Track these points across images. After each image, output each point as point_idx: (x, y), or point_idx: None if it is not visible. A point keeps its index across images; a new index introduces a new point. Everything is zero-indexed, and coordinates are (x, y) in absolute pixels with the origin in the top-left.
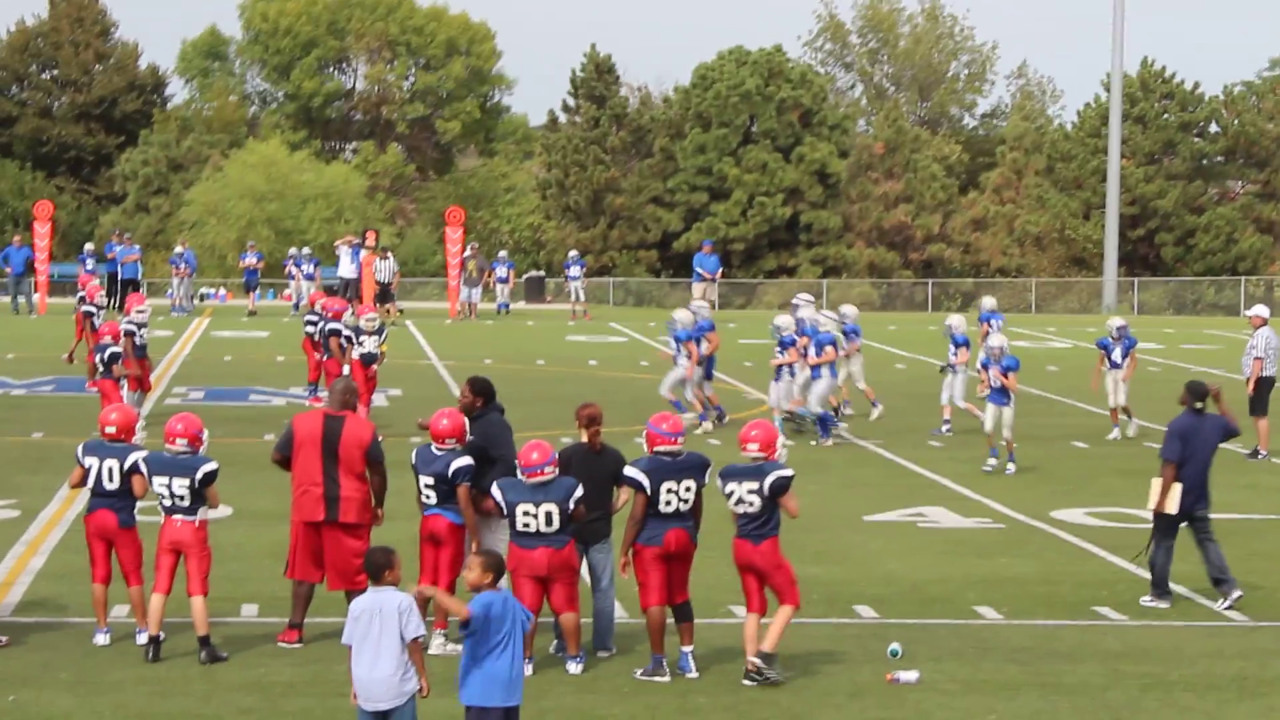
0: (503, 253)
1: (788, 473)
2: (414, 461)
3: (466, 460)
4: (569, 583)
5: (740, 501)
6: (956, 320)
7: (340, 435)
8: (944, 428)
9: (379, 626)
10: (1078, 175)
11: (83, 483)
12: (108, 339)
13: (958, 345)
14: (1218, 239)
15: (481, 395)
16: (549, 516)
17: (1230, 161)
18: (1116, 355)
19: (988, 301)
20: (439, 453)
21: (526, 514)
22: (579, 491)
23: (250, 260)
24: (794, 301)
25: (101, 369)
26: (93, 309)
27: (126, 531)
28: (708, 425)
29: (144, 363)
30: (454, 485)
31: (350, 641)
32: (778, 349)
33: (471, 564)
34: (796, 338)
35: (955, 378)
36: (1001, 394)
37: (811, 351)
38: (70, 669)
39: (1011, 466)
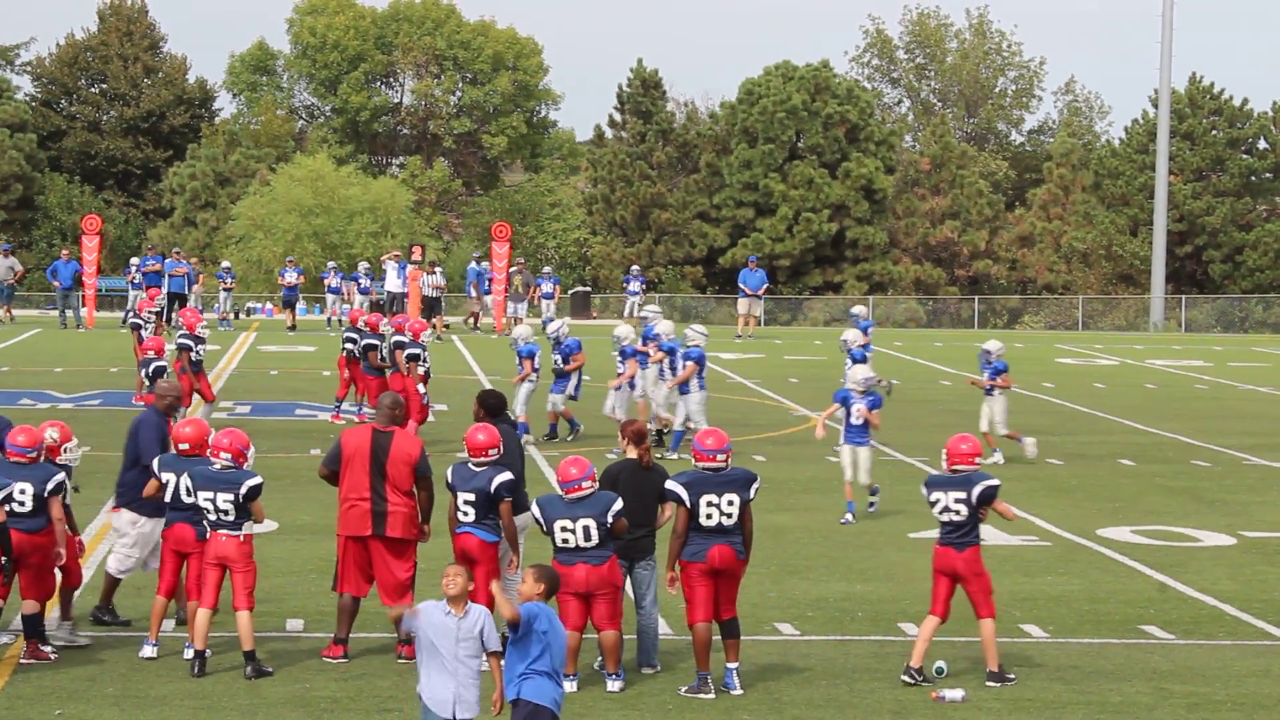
0: (548, 268)
1: (994, 482)
2: (450, 479)
3: (508, 475)
4: (610, 599)
5: (946, 510)
6: (852, 335)
7: (389, 450)
8: None
9: None
10: (1125, 192)
11: (159, 493)
12: (152, 353)
13: (855, 361)
14: (1266, 256)
15: (493, 412)
16: (587, 531)
17: (1279, 178)
18: (986, 377)
19: (858, 309)
20: (477, 469)
21: (565, 529)
22: (618, 505)
23: (290, 278)
24: (643, 314)
25: (147, 384)
26: (140, 322)
27: (204, 545)
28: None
29: (201, 378)
30: (497, 501)
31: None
32: (618, 360)
33: (525, 575)
34: (638, 348)
35: None
36: (861, 432)
37: (680, 366)
38: (116, 683)
39: (874, 503)
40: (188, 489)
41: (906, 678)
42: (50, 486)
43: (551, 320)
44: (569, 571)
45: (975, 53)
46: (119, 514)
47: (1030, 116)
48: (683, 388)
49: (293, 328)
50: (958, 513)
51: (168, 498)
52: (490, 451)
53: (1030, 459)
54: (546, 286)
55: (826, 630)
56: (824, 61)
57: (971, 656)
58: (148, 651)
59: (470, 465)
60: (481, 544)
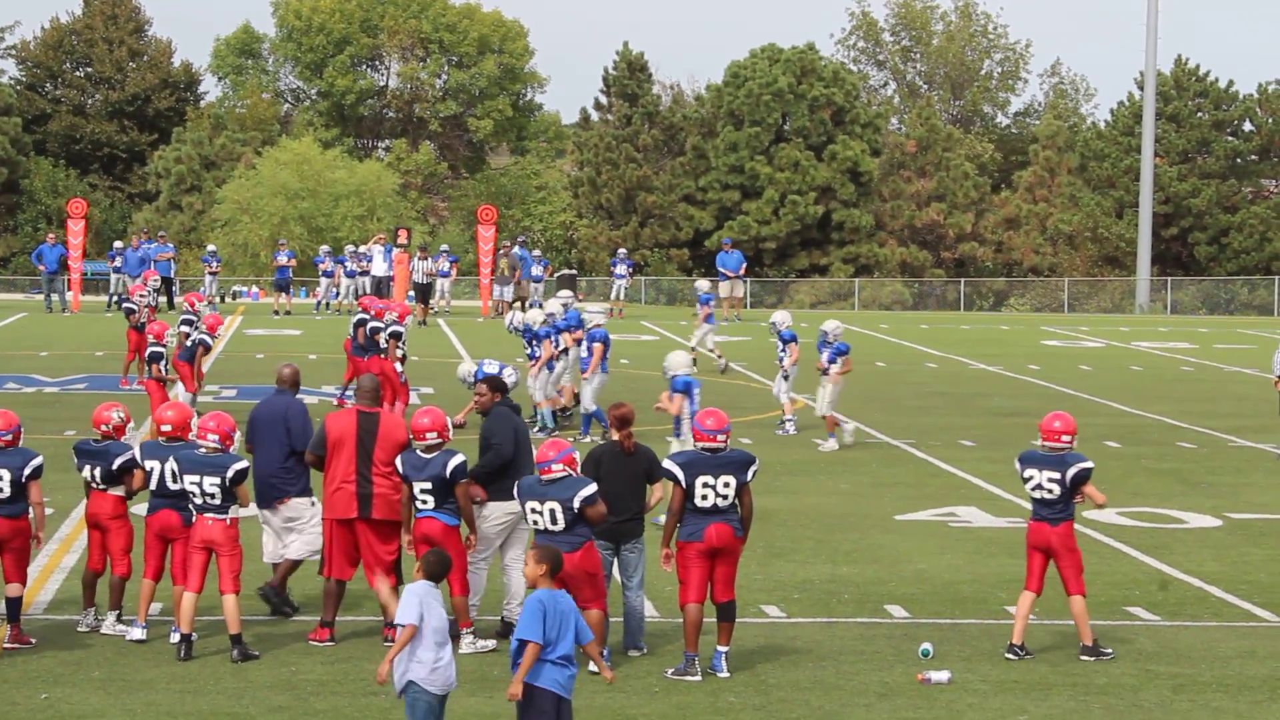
0: (537, 251)
1: (1088, 464)
2: (402, 469)
3: (461, 457)
4: (585, 584)
5: (1039, 488)
6: (780, 316)
7: (376, 433)
8: (788, 426)
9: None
10: (1111, 174)
11: (145, 486)
12: (151, 338)
13: (785, 342)
14: (1251, 238)
15: (498, 391)
16: (553, 514)
17: (1264, 160)
18: (824, 360)
19: (700, 283)
20: (427, 454)
21: (534, 511)
22: (587, 490)
23: (282, 259)
24: (556, 300)
25: (147, 369)
26: (133, 306)
27: (189, 530)
28: None
29: (199, 369)
30: (454, 484)
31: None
32: (532, 342)
33: (527, 558)
34: (552, 331)
35: (785, 377)
36: (675, 422)
37: (583, 348)
38: (102, 667)
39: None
40: (173, 473)
41: (1010, 655)
42: (29, 471)
43: (539, 303)
44: None
45: (961, 35)
46: (285, 504)
47: (1016, 99)
48: (582, 365)
49: (287, 311)
50: (1050, 491)
51: (152, 485)
52: (429, 435)
53: (847, 445)
54: (536, 270)
55: (813, 612)
56: (810, 44)
57: (957, 639)
58: (136, 634)
59: (419, 452)
60: (445, 528)
